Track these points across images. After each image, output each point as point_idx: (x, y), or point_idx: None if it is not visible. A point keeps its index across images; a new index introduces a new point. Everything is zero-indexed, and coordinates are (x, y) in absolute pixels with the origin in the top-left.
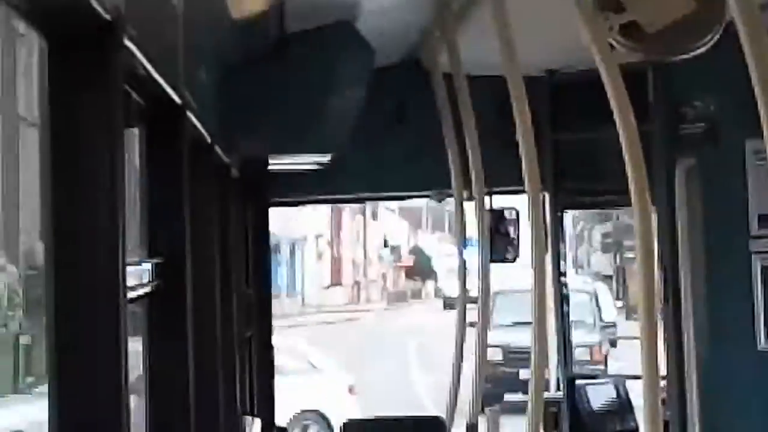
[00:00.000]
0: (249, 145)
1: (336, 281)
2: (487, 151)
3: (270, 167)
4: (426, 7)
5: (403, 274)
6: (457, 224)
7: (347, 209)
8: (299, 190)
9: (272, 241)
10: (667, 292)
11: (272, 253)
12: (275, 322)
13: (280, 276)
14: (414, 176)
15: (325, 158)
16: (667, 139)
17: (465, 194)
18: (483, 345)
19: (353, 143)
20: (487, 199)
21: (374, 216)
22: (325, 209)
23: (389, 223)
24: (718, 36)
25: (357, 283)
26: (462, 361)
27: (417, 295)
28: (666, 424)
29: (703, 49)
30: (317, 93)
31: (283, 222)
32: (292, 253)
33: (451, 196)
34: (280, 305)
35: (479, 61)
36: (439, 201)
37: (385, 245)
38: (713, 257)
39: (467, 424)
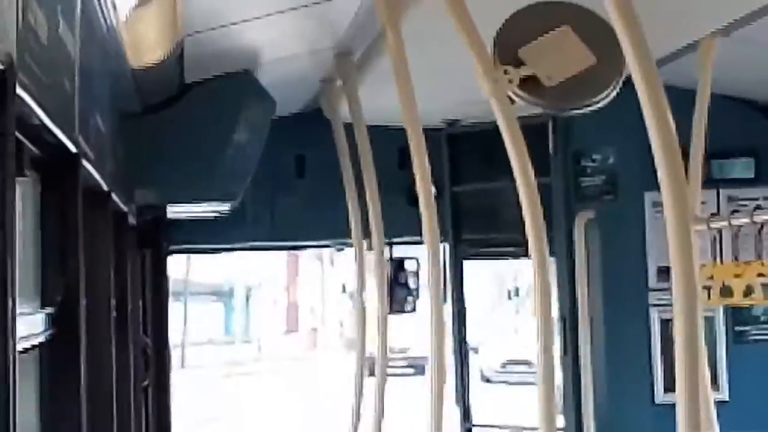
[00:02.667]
0: (146, 194)
1: (292, 328)
2: (386, 201)
3: (168, 215)
4: (326, 57)
5: None
6: (358, 275)
7: (303, 256)
8: (198, 238)
9: (226, 286)
10: (566, 343)
11: (226, 299)
12: (230, 369)
13: (234, 322)
14: (314, 225)
15: (224, 207)
16: (566, 191)
17: (365, 244)
18: (381, 397)
19: (253, 193)
20: (387, 249)
21: (332, 262)
22: (283, 255)
23: (346, 270)
24: (617, 90)
25: (314, 329)
26: (359, 417)
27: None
28: None
29: (602, 103)
30: (215, 142)
31: (237, 268)
32: (248, 299)
33: (351, 245)
34: (234, 352)
35: (379, 111)
36: (339, 251)
37: (343, 290)
38: (612, 309)
39: None
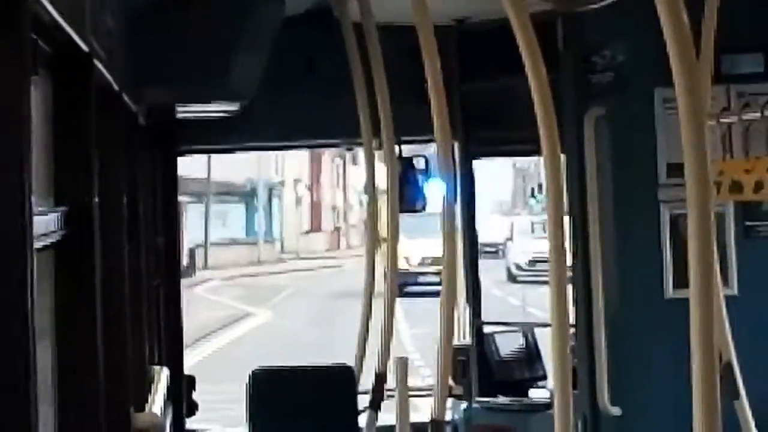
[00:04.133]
0: (156, 94)
1: (315, 227)
2: (396, 99)
3: (178, 116)
4: None
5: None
6: (368, 173)
7: (326, 154)
8: (208, 138)
9: (248, 186)
10: (576, 241)
11: (248, 199)
12: (252, 269)
13: (257, 222)
14: (323, 125)
15: (234, 107)
16: (576, 88)
17: (375, 143)
18: (392, 294)
19: (262, 92)
20: (396, 148)
21: (354, 160)
22: (304, 154)
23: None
24: None
25: (337, 228)
26: (371, 311)
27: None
28: (574, 371)
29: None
30: (225, 41)
31: (260, 166)
32: (270, 199)
33: (361, 144)
34: (257, 252)
35: (389, 10)
36: (348, 150)
37: (365, 191)
38: (622, 206)
39: (375, 372)
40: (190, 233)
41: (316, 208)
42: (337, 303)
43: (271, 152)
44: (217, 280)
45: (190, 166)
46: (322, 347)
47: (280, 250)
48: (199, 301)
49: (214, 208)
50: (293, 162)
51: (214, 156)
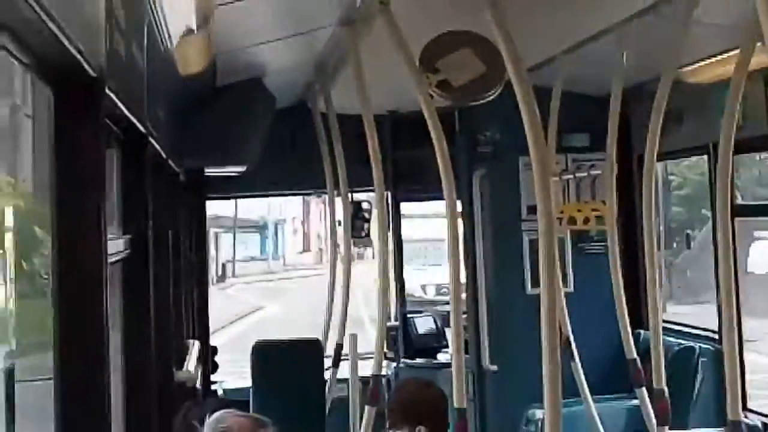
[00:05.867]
0: (191, 160)
1: (306, 248)
2: (349, 163)
3: (206, 173)
4: (309, 67)
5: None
6: (330, 212)
7: (313, 199)
8: (227, 188)
9: (260, 222)
10: (468, 257)
11: (262, 230)
12: (265, 276)
13: (268, 246)
14: (302, 180)
15: (242, 168)
16: (467, 156)
17: (335, 192)
18: (347, 285)
19: (264, 157)
20: (349, 195)
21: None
22: (298, 199)
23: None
24: (500, 88)
25: (320, 249)
26: (332, 303)
27: (361, 256)
28: (466, 343)
29: (490, 98)
30: (236, 125)
31: (270, 208)
32: (276, 230)
33: (326, 193)
34: (268, 265)
35: (345, 104)
36: (319, 197)
37: (339, 224)
38: (498, 233)
39: (336, 343)
40: (223, 253)
41: (306, 236)
42: (322, 297)
43: (274, 198)
44: (241, 284)
45: (222, 208)
46: (313, 324)
47: (283, 264)
48: (230, 298)
49: (239, 236)
50: (291, 204)
51: (239, 201)
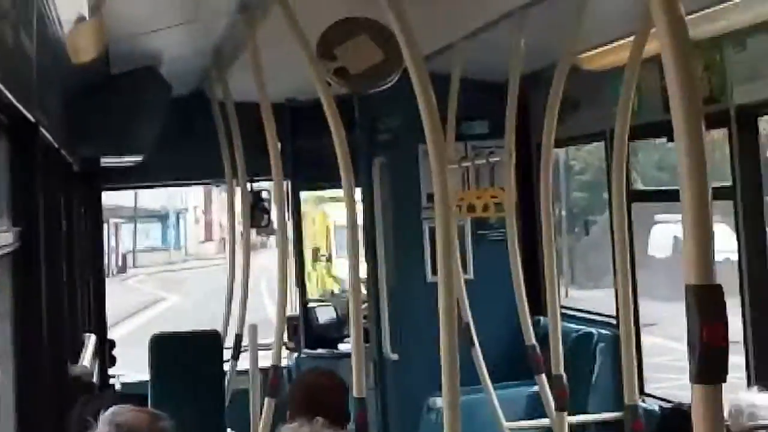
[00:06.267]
0: (84, 150)
1: (208, 238)
2: (248, 152)
3: (102, 164)
4: (206, 54)
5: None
6: (229, 203)
7: (215, 188)
8: (123, 179)
9: (161, 211)
10: (368, 245)
11: (163, 220)
12: (166, 267)
13: (170, 236)
14: (201, 170)
15: (139, 158)
16: (366, 144)
17: (234, 182)
18: (246, 279)
19: (161, 147)
20: (249, 184)
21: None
22: (200, 189)
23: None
24: (398, 75)
25: (222, 239)
26: (232, 295)
27: (264, 245)
28: (366, 332)
29: (388, 85)
30: (131, 114)
31: (170, 197)
32: (178, 219)
33: (225, 182)
34: (169, 255)
35: (242, 91)
36: (217, 186)
37: None
38: (398, 222)
39: (236, 333)
40: (123, 243)
41: (208, 225)
42: (225, 287)
43: (177, 187)
44: (142, 275)
45: (122, 198)
46: (216, 315)
47: (185, 254)
48: (131, 290)
49: (140, 226)
50: (193, 194)
51: (139, 191)
